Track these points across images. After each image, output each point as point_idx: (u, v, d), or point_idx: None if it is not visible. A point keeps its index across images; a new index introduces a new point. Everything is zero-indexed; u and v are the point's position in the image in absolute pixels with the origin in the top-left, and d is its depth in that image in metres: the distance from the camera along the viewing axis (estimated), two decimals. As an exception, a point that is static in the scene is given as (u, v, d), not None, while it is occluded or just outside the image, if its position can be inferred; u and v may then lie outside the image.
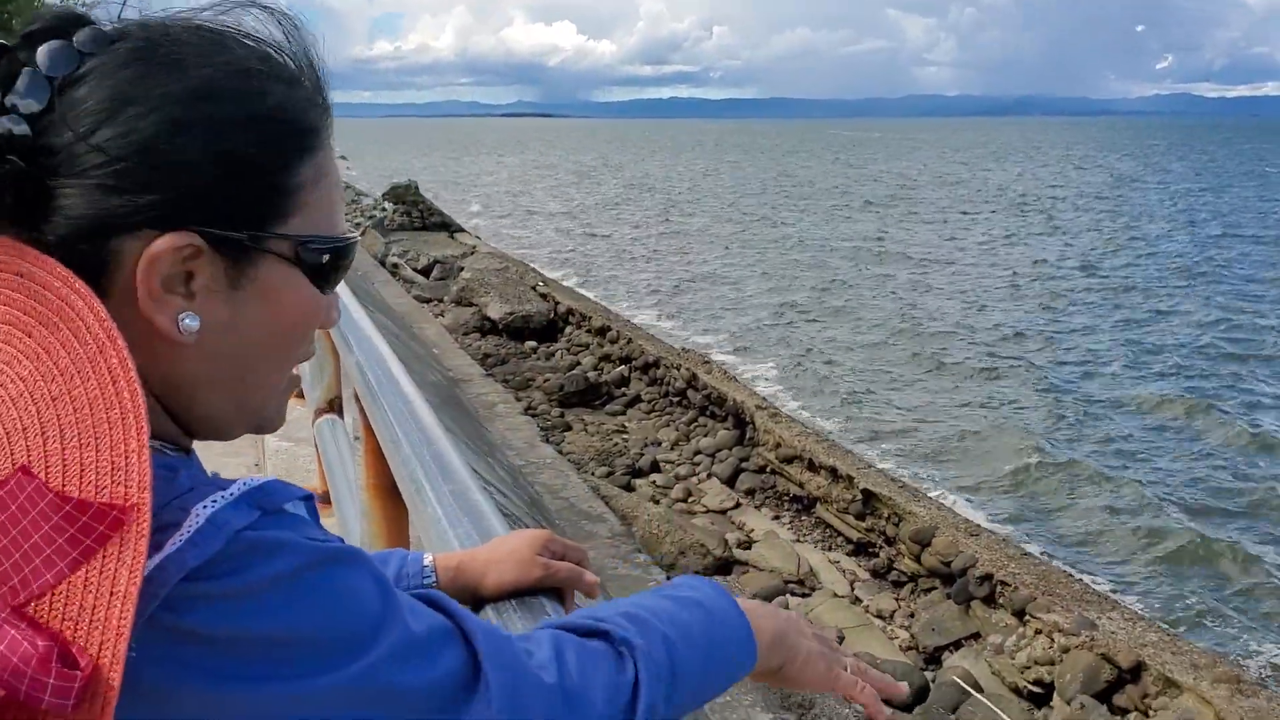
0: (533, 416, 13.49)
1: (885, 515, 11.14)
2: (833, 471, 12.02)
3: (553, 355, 18.69)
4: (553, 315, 20.38)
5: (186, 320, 0.76)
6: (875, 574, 10.95)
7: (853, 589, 10.79)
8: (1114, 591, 10.42)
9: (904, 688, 1.13)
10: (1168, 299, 27.14)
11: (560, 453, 11.66)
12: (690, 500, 12.69)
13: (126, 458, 0.66)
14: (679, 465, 13.70)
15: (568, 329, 20.06)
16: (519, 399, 14.45)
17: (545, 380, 16.46)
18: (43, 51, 0.74)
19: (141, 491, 0.66)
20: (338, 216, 0.86)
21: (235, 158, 0.77)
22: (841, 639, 9.46)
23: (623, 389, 16.69)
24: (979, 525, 11.12)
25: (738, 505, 12.60)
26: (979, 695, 8.15)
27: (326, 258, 0.83)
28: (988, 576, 9.56)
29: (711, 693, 0.96)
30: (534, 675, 0.84)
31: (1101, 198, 60.11)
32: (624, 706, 0.88)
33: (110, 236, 0.74)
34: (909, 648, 9.60)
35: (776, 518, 12.36)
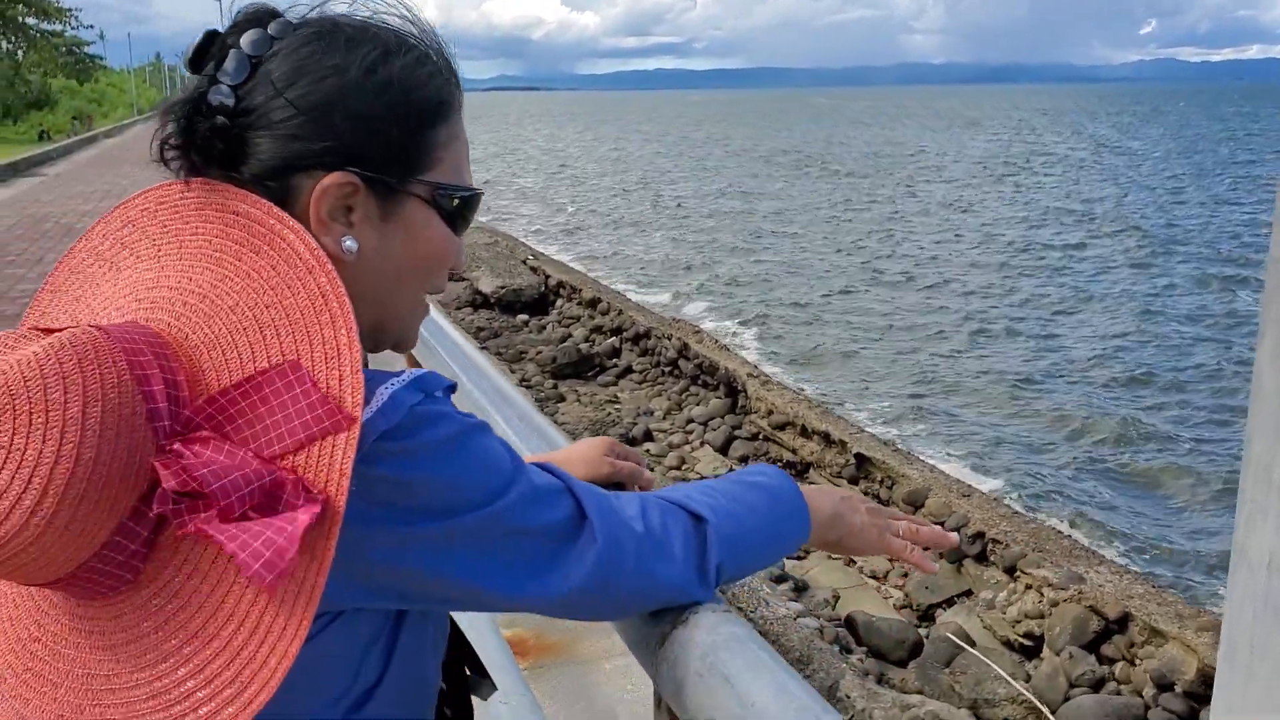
0: (527, 388, 13.64)
1: (878, 479, 11.33)
2: (825, 437, 12.20)
3: (544, 328, 18.80)
4: (543, 288, 20.48)
5: (347, 242, 0.99)
6: (869, 536, 11.14)
7: (847, 550, 10.98)
8: (1101, 546, 10.64)
9: (954, 538, 1.33)
10: (1144, 261, 27.32)
11: (555, 423, 11.81)
12: (684, 468, 12.84)
13: (339, 351, 0.85)
14: (672, 434, 13.86)
15: (559, 302, 20.16)
16: (513, 371, 14.61)
17: (538, 353, 16.58)
18: (246, 37, 0.97)
19: (355, 385, 0.84)
20: (466, 173, 1.08)
21: (382, 118, 1.00)
22: (836, 600, 9.69)
23: (614, 360, 16.81)
24: (970, 486, 11.31)
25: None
26: (972, 649, 8.35)
27: (457, 203, 1.05)
28: (979, 535, 9.76)
29: (772, 558, 1.17)
30: (627, 524, 1.05)
31: (1068, 161, 60.24)
32: (696, 561, 1.09)
33: (291, 175, 0.97)
34: (903, 606, 9.80)
35: (770, 483, 12.53)
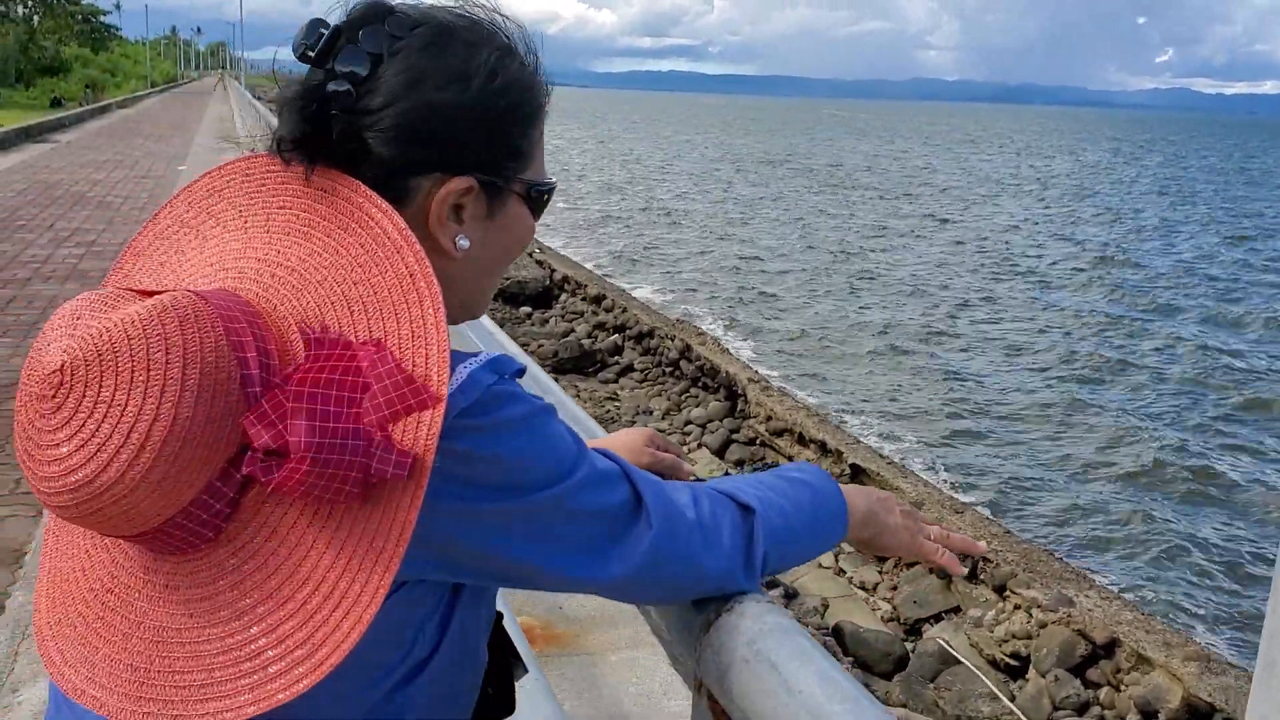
0: (528, 381, 13.65)
1: (872, 490, 11.37)
2: (822, 445, 12.23)
3: (547, 321, 18.83)
4: (548, 282, 20.52)
5: (461, 241, 1.05)
6: (860, 547, 11.17)
7: (837, 560, 11.00)
8: (1092, 571, 10.67)
9: (982, 546, 1.38)
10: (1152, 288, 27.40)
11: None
12: (680, 469, 12.85)
13: (425, 328, 0.89)
14: (670, 434, 13.89)
15: (563, 296, 20.20)
16: (515, 363, 14.60)
17: (540, 346, 16.60)
18: (364, 33, 0.99)
19: (441, 362, 0.88)
20: (545, 166, 1.14)
21: (499, 123, 1.04)
22: (826, 607, 9.71)
23: (616, 357, 16.84)
24: (964, 503, 11.34)
25: (727, 475, 12.78)
26: (962, 659, 8.38)
27: (545, 196, 1.11)
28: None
29: (812, 553, 1.22)
30: (680, 511, 1.09)
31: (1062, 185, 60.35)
32: (743, 550, 1.13)
33: (410, 177, 1.01)
34: (890, 619, 9.83)
35: (765, 489, 12.56)
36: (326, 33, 1.00)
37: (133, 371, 0.78)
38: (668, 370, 15.91)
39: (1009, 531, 10.59)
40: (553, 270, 20.92)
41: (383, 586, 0.85)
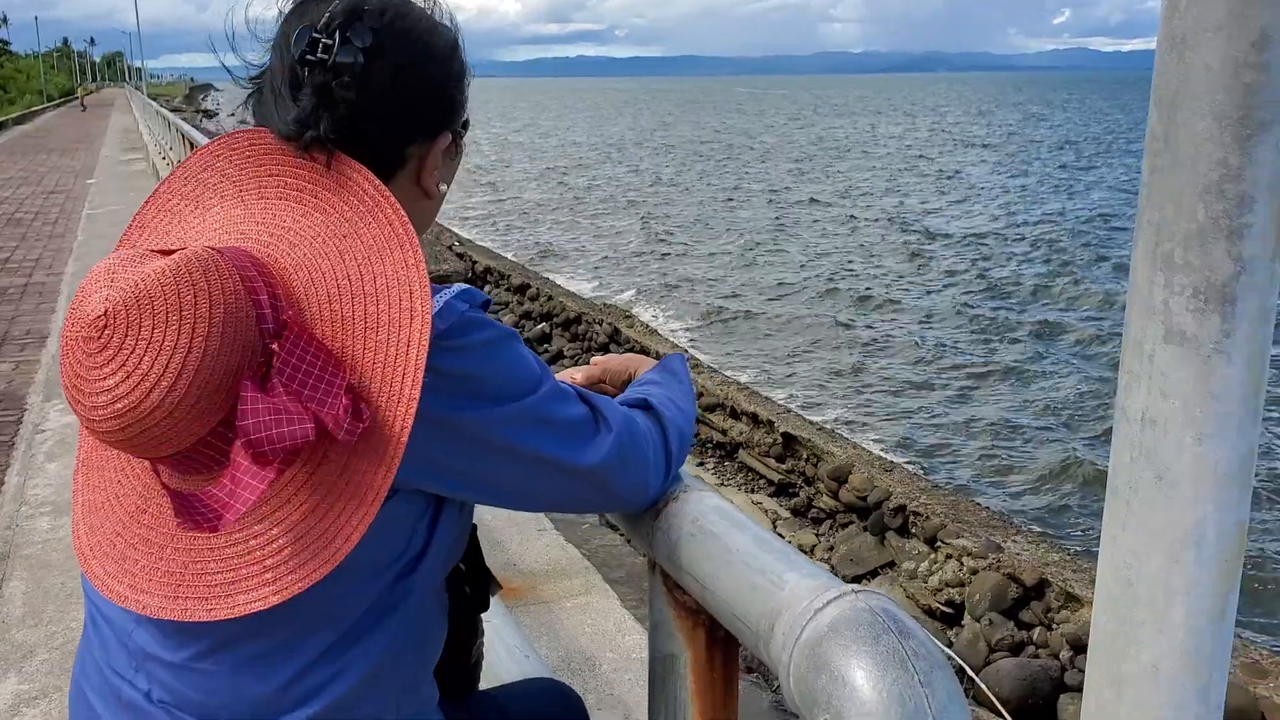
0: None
1: (804, 456, 11.64)
2: (754, 418, 12.49)
3: (473, 314, 18.83)
4: (471, 274, 20.52)
5: (442, 186, 1.26)
6: (796, 512, 11.45)
7: (775, 527, 11.27)
8: (1018, 516, 11.05)
9: None
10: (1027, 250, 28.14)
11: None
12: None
13: (407, 269, 1.04)
14: (603, 416, 14.02)
15: (486, 288, 20.23)
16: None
17: (468, 338, 16.62)
18: (351, 31, 1.15)
19: (424, 294, 1.04)
20: None
21: (456, 86, 1.26)
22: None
23: (545, 345, 16.96)
24: (892, 461, 11.68)
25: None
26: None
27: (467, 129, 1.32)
28: (901, 508, 10.10)
29: (689, 423, 1.44)
30: (630, 418, 1.29)
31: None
32: (662, 441, 1.34)
33: (406, 145, 1.21)
34: (829, 579, 10.12)
35: (701, 464, 12.79)
36: (321, 37, 1.14)
37: (167, 312, 0.92)
38: (598, 354, 16.00)
39: (937, 485, 10.93)
40: (475, 262, 20.94)
41: (383, 488, 1.00)
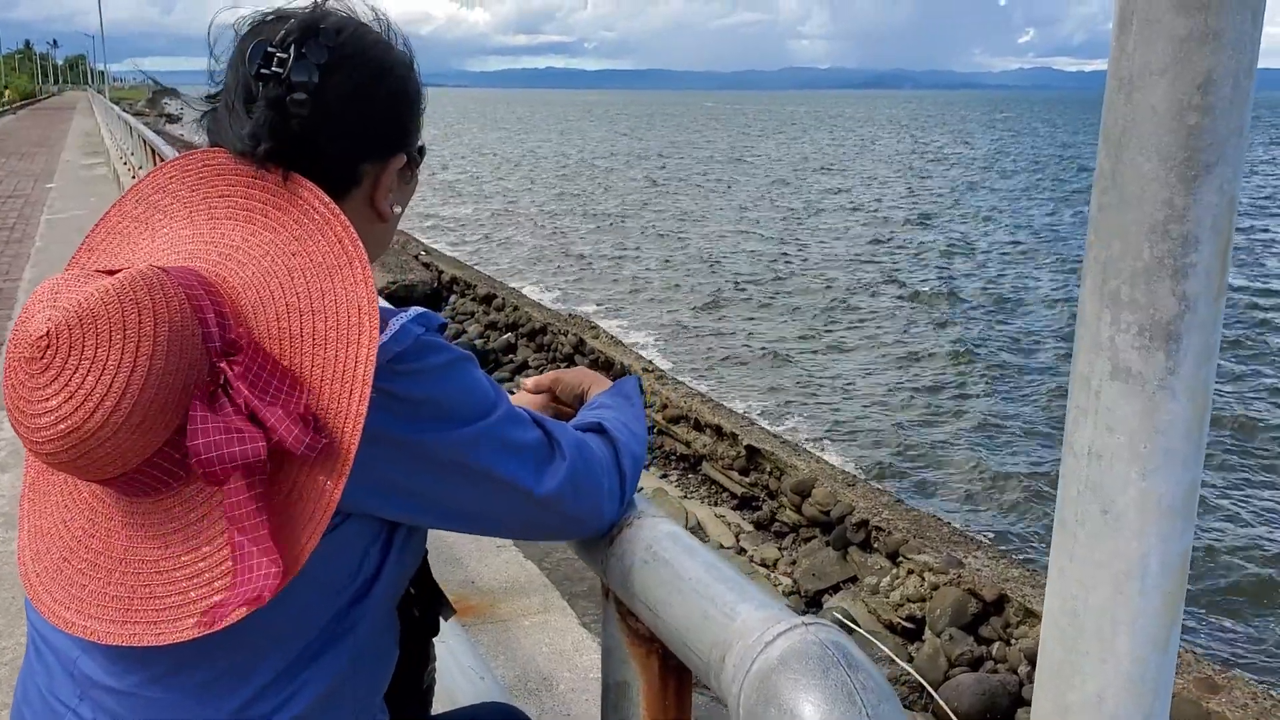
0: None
1: (768, 470, 11.67)
2: (718, 430, 12.50)
3: (438, 324, 18.76)
4: (437, 284, 20.44)
5: (396, 208, 1.26)
6: (759, 526, 11.46)
7: (738, 540, 11.29)
8: (978, 532, 11.12)
9: None
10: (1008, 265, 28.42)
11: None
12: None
13: (355, 285, 1.03)
14: (568, 428, 14.00)
15: (452, 298, 20.17)
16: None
17: (432, 348, 16.55)
18: (306, 47, 1.15)
19: (373, 311, 1.03)
20: None
21: (411, 106, 1.26)
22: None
23: (510, 355, 16.92)
24: (855, 476, 11.72)
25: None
26: (858, 628, 8.69)
27: (423, 155, 1.32)
28: (864, 523, 10.14)
29: (642, 447, 1.42)
30: (584, 443, 1.28)
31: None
32: (616, 467, 1.33)
33: (360, 163, 1.21)
34: (791, 592, 10.13)
35: (664, 475, 12.79)
36: (277, 51, 1.14)
37: (110, 331, 0.91)
38: (563, 365, 16.02)
39: (899, 500, 10.98)
40: (440, 272, 20.86)
41: (331, 503, 1.00)
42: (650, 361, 15.77)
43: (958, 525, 10.73)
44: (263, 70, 1.14)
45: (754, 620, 0.97)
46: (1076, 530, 0.91)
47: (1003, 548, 10.55)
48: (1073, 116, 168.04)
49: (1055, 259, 29.23)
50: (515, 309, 18.12)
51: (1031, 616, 8.37)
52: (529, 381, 1.60)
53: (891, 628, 9.15)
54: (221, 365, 0.97)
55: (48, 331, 0.91)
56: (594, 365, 15.21)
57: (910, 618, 9.06)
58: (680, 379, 15.14)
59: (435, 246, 25.79)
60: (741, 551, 10.99)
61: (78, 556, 1.05)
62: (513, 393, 1.44)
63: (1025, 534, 11.64)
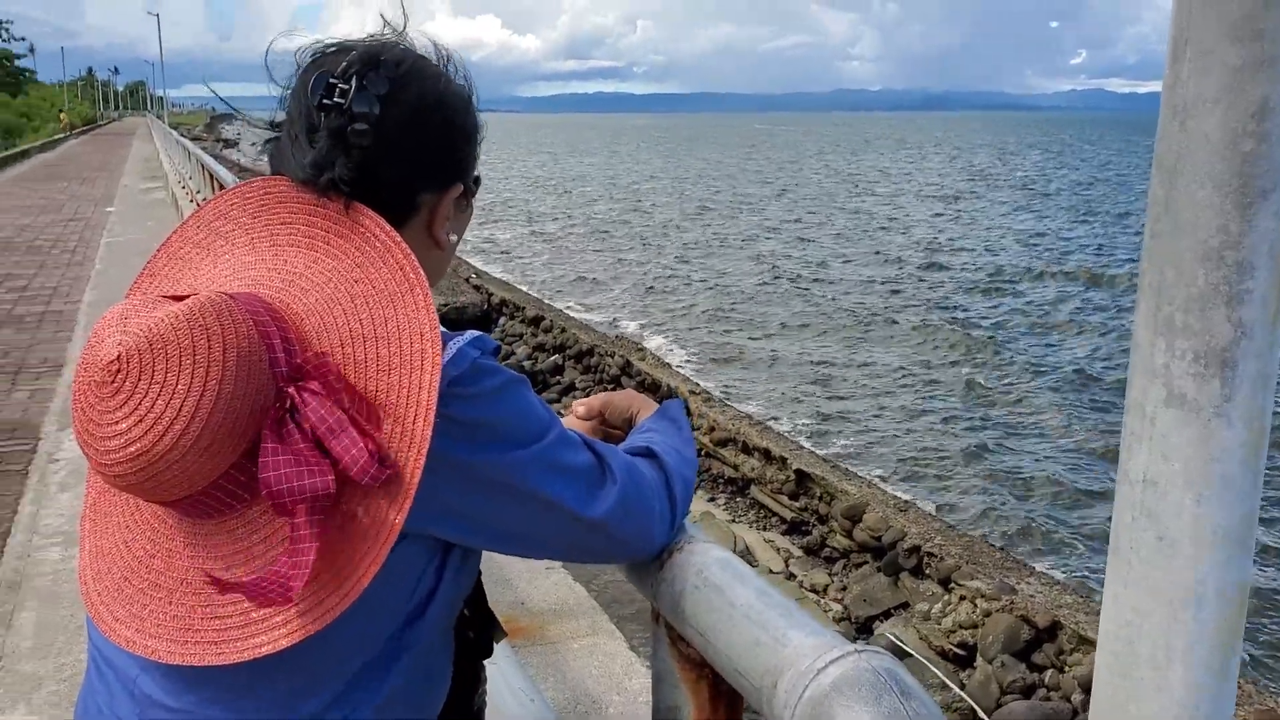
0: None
1: (818, 494, 11.60)
2: (766, 453, 12.45)
3: (488, 346, 18.87)
4: (486, 306, 20.60)
5: (452, 237, 1.28)
6: (809, 551, 11.39)
7: (787, 565, 11.22)
8: (1031, 558, 10.98)
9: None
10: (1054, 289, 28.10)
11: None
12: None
13: (418, 312, 1.05)
14: (616, 450, 14.00)
15: (502, 320, 20.31)
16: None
17: (482, 370, 16.64)
18: (368, 79, 1.17)
19: (435, 337, 1.04)
20: None
21: (469, 137, 1.29)
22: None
23: (558, 377, 16.98)
24: (907, 501, 11.62)
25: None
26: (912, 652, 8.61)
27: (478, 185, 1.36)
28: (916, 549, 10.05)
29: (692, 471, 1.43)
30: (634, 466, 1.30)
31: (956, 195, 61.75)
32: (666, 491, 1.34)
33: (418, 193, 1.24)
34: (842, 618, 10.05)
35: (712, 499, 12.76)
36: (339, 83, 1.17)
37: (180, 356, 0.94)
38: (609, 387, 16.05)
39: (951, 526, 10.87)
40: (490, 294, 21.02)
41: (395, 528, 1.01)
42: (696, 384, 15.76)
43: (1011, 551, 10.60)
44: (325, 101, 1.17)
45: (806, 647, 0.97)
46: (1131, 557, 0.90)
47: (1056, 573, 10.41)
48: (1122, 138, 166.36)
49: (1103, 282, 28.87)
50: (563, 330, 18.20)
51: (1085, 644, 8.24)
52: (579, 406, 1.60)
53: (943, 654, 9.04)
54: (289, 390, 0.99)
55: (118, 356, 0.94)
56: (640, 387, 15.22)
57: (962, 644, 8.96)
58: (728, 402, 15.11)
59: (485, 269, 25.99)
60: (791, 577, 10.92)
61: (139, 576, 1.07)
62: (562, 415, 1.45)
63: (1080, 560, 11.46)
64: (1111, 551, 0.93)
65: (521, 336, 19.00)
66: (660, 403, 1.60)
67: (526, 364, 17.06)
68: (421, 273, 1.10)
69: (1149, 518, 0.89)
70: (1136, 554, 0.90)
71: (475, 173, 1.34)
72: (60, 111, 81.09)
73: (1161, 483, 0.86)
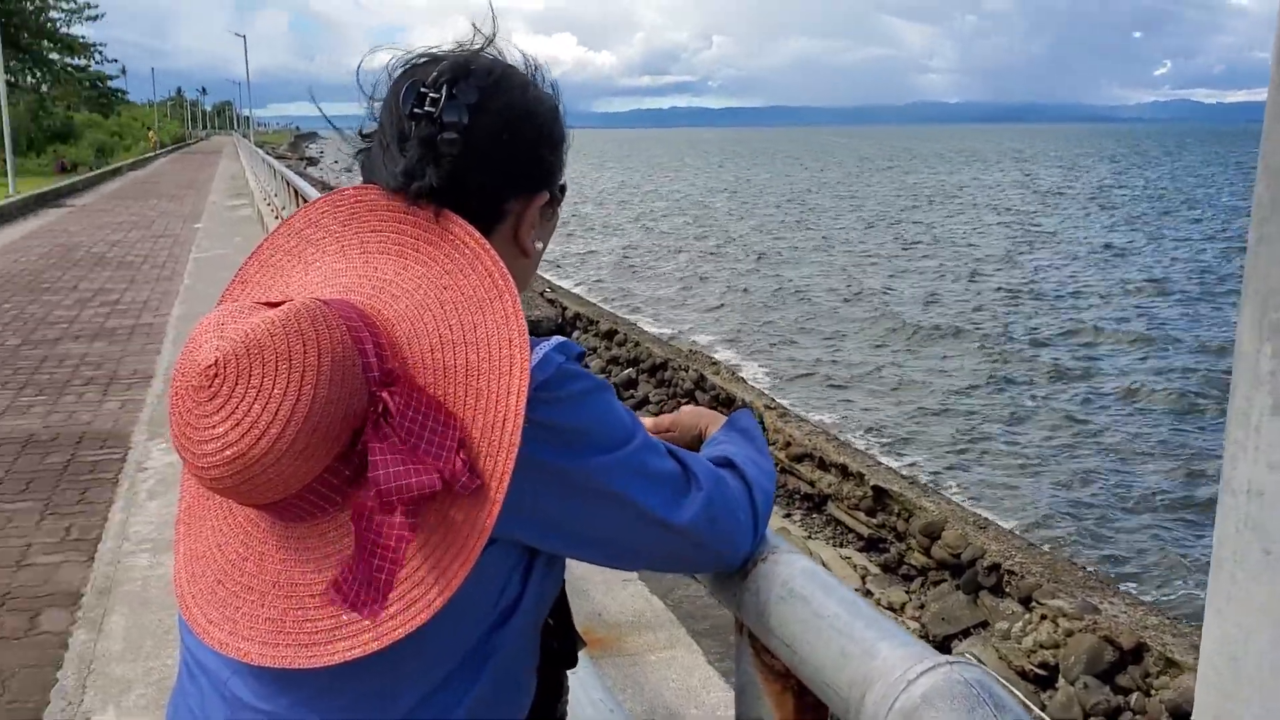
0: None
1: (895, 511, 11.45)
2: (843, 469, 12.33)
3: (563, 360, 18.98)
4: (561, 320, 20.73)
5: (538, 244, 1.30)
6: (886, 568, 11.25)
7: (864, 583, 11.09)
8: (1116, 578, 10.73)
9: None
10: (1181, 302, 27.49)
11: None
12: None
13: (507, 318, 1.06)
14: (690, 465, 13.98)
15: (575, 334, 20.41)
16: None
17: (557, 384, 16.73)
18: (459, 88, 1.20)
19: (523, 343, 1.05)
20: None
21: (555, 145, 1.30)
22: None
23: (631, 391, 17.01)
24: (987, 519, 11.43)
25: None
26: (992, 673, 8.46)
27: (564, 193, 1.37)
28: (995, 566, 9.87)
29: (771, 482, 1.42)
30: (718, 474, 1.29)
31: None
32: (748, 498, 1.33)
33: (506, 201, 1.25)
34: (920, 637, 9.90)
35: (788, 515, 12.67)
36: (429, 92, 1.20)
37: (276, 361, 0.96)
38: (683, 401, 16.03)
39: (1032, 544, 10.67)
40: (564, 308, 21.14)
41: (484, 533, 1.02)
42: (771, 398, 15.68)
43: (1094, 569, 10.37)
44: (415, 110, 1.19)
45: (895, 658, 0.96)
46: (1235, 571, 0.88)
47: (1142, 593, 10.16)
48: (1205, 149, 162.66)
49: (1193, 293, 28.21)
50: (636, 344, 18.24)
51: (1173, 666, 8.02)
52: (647, 422, 1.61)
53: (1023, 674, 8.86)
54: (382, 395, 1.00)
55: (216, 361, 0.96)
56: (714, 401, 15.19)
57: (1043, 665, 8.77)
58: (803, 416, 15.01)
59: (560, 284, 26.16)
60: (868, 594, 10.78)
61: (231, 579, 1.10)
62: None
63: (1167, 579, 11.17)
64: (1214, 565, 0.90)
65: (595, 350, 19.08)
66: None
67: (600, 378, 17.12)
68: (510, 279, 1.11)
69: (1254, 530, 0.86)
70: (1241, 568, 0.87)
71: (561, 181, 1.35)
72: (149, 130, 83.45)
73: (1268, 493, 0.83)
